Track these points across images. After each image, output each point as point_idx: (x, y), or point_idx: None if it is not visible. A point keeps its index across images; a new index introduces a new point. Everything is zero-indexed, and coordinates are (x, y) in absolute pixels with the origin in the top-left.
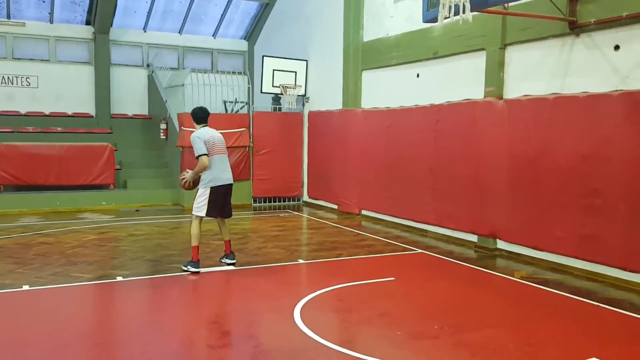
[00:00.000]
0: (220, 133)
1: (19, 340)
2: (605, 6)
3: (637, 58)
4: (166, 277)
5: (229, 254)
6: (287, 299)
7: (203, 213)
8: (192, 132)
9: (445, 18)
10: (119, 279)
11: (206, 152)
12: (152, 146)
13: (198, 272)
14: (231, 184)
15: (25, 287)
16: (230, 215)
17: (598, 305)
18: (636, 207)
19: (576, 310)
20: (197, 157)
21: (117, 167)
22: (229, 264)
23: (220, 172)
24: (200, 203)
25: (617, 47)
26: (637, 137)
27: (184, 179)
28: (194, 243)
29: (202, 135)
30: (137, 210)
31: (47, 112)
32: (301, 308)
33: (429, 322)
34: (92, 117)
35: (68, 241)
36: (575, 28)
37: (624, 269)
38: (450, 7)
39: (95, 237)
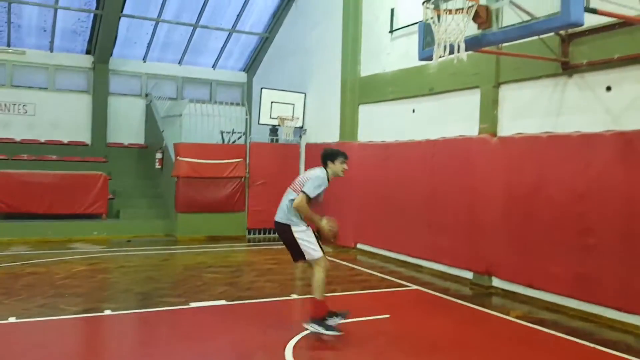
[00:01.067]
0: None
1: None
2: (597, 48)
3: (628, 99)
4: (156, 311)
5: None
6: (278, 336)
7: (320, 252)
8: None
9: (440, 57)
10: (107, 312)
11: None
12: (147, 175)
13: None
14: (278, 222)
15: (12, 320)
16: (297, 257)
17: (594, 347)
18: (631, 246)
19: (572, 352)
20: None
21: (111, 196)
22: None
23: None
24: (311, 244)
25: (609, 88)
26: (629, 177)
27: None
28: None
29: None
30: (128, 241)
31: (42, 140)
32: (293, 346)
33: None
34: (88, 145)
35: (58, 272)
36: (568, 69)
37: (619, 310)
38: (445, 46)
39: (85, 268)
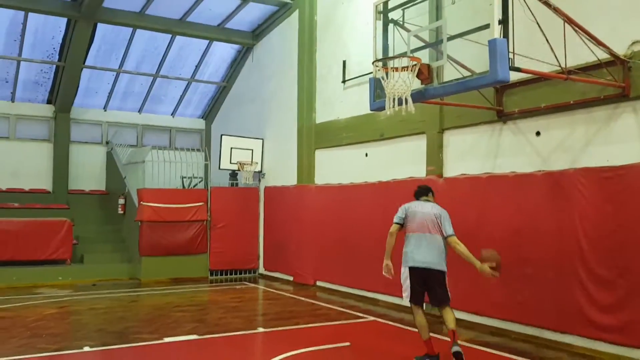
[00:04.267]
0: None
1: None
2: (526, 98)
3: (555, 143)
4: (133, 346)
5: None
6: None
7: (406, 296)
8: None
9: (391, 108)
10: (87, 349)
11: (399, 222)
12: (109, 221)
13: None
14: (431, 269)
15: None
16: (443, 302)
17: None
18: (562, 274)
19: None
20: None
21: (75, 241)
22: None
23: (415, 253)
24: (404, 285)
25: (538, 133)
26: (558, 212)
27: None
28: (424, 336)
29: (409, 206)
30: (94, 285)
31: (4, 188)
32: None
33: None
34: (49, 192)
35: (29, 315)
36: (502, 116)
37: (555, 331)
38: (394, 99)
39: (56, 311)
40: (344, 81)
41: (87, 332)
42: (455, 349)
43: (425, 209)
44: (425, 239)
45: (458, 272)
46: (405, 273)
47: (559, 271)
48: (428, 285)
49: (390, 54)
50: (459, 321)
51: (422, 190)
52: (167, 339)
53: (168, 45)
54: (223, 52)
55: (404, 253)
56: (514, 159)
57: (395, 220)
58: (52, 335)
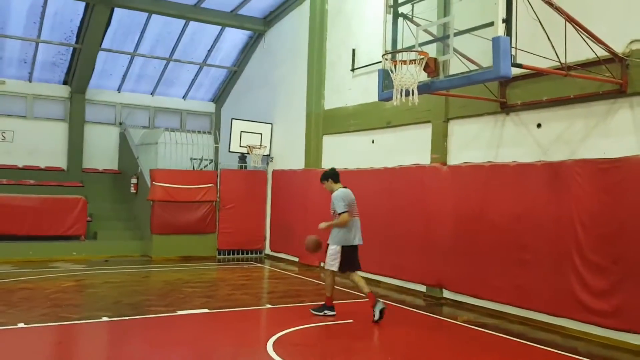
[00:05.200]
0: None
1: None
2: (529, 91)
3: (555, 134)
4: (149, 317)
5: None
6: (259, 336)
7: (335, 268)
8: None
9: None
10: (105, 319)
11: (347, 210)
12: (122, 199)
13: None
14: (360, 244)
15: (21, 325)
16: (359, 268)
17: (527, 344)
18: (558, 260)
19: (508, 348)
20: (339, 214)
21: (89, 219)
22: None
23: (354, 234)
24: (333, 259)
25: (539, 125)
26: (556, 201)
27: (318, 247)
28: (328, 293)
29: (346, 196)
30: (106, 261)
31: (20, 165)
32: (273, 343)
33: (383, 355)
34: (64, 170)
35: (48, 287)
36: (505, 108)
37: (550, 314)
38: (401, 91)
39: (73, 284)
40: (352, 69)
41: (105, 303)
42: (381, 305)
43: (352, 195)
44: (358, 221)
45: (457, 256)
46: (339, 251)
47: (555, 257)
48: (354, 257)
49: (399, 47)
50: (460, 304)
51: (338, 175)
52: (180, 312)
53: (182, 30)
54: (235, 37)
55: (344, 234)
56: (515, 149)
57: (345, 209)
58: (72, 305)
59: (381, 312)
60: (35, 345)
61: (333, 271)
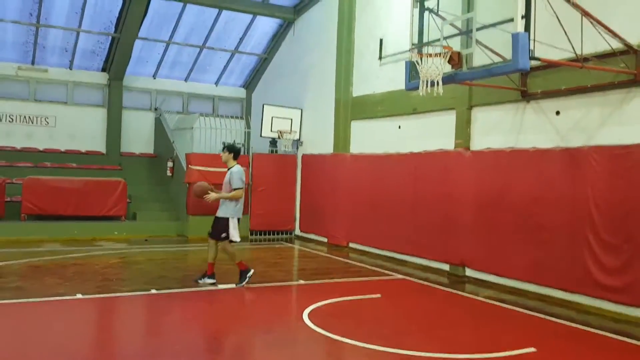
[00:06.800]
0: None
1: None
2: (548, 80)
3: (572, 122)
4: (195, 291)
5: (212, 275)
6: (295, 308)
7: (238, 238)
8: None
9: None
10: (153, 291)
11: (242, 187)
12: (158, 182)
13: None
14: None
15: (79, 296)
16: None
17: (542, 317)
18: (573, 240)
19: (524, 321)
20: (235, 189)
21: (128, 200)
22: (210, 284)
23: (242, 207)
24: (234, 230)
25: (558, 113)
26: (573, 185)
27: (205, 194)
28: (239, 259)
29: (243, 175)
30: (146, 240)
31: (62, 149)
32: (308, 314)
33: (409, 325)
34: (103, 154)
35: (97, 263)
36: (526, 96)
37: (566, 291)
38: (427, 82)
39: (118, 261)
40: (380, 58)
41: (151, 278)
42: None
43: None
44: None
45: (479, 236)
46: (236, 222)
47: (571, 237)
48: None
49: (425, 39)
50: (480, 281)
51: (239, 154)
52: (221, 286)
53: (215, 19)
54: (265, 25)
55: (240, 208)
56: (535, 136)
57: (241, 186)
58: (121, 279)
59: (249, 277)
60: (94, 313)
61: (230, 243)
